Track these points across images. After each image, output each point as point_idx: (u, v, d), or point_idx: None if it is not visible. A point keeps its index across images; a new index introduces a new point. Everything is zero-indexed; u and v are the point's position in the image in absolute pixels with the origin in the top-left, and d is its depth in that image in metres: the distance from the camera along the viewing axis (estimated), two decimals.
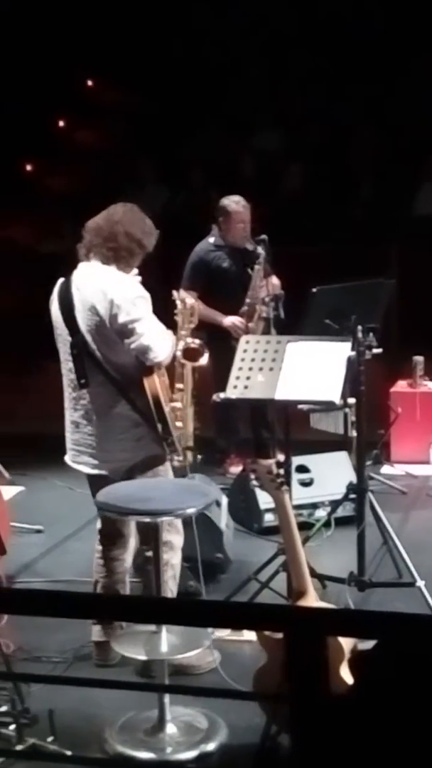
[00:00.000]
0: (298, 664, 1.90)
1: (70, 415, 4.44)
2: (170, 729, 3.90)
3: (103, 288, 4.25)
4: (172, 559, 4.41)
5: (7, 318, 9.22)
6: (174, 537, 4.42)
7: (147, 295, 4.32)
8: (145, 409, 4.28)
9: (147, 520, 4.04)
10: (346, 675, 3.37)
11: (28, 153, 11.16)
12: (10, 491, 6.38)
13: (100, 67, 11.49)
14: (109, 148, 11.08)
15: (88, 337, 4.29)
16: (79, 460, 4.44)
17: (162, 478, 4.39)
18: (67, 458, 4.51)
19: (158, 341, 4.25)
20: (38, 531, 6.14)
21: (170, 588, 4.37)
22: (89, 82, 11.96)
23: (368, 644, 2.99)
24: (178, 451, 4.35)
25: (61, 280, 4.44)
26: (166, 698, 3.90)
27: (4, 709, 3.94)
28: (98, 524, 4.56)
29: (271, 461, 3.91)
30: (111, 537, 4.52)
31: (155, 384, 4.25)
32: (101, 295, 4.24)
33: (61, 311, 4.36)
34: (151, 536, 4.28)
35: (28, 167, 11.33)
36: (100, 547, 4.54)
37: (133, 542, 4.55)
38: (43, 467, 7.39)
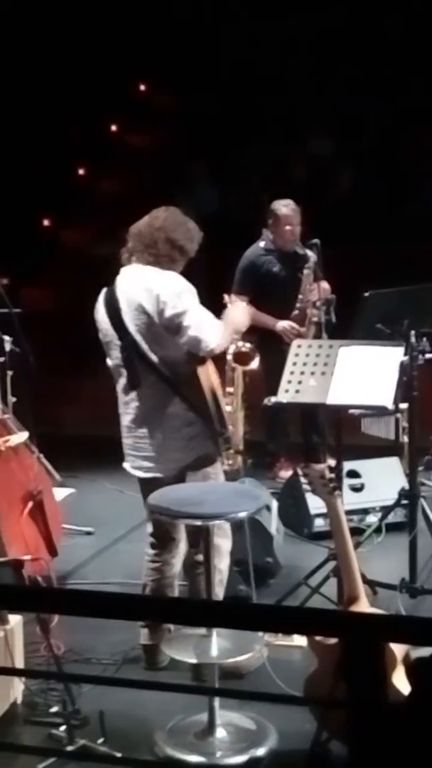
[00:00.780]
0: (356, 670, 1.88)
1: (124, 420, 4.47)
2: (220, 733, 3.89)
3: (148, 285, 4.28)
4: (220, 564, 4.41)
5: (58, 321, 9.27)
6: (222, 541, 4.42)
7: (192, 288, 4.33)
8: (199, 404, 4.29)
9: (198, 523, 4.03)
10: (399, 682, 3.34)
11: (81, 156, 11.22)
12: (60, 493, 6.40)
13: (153, 70, 11.53)
14: (161, 151, 11.10)
15: (138, 337, 4.31)
16: (135, 464, 4.45)
17: (213, 480, 4.39)
18: (125, 464, 4.51)
19: (208, 331, 4.24)
20: (88, 533, 6.18)
21: (216, 593, 4.36)
22: (142, 86, 12.00)
23: (422, 651, 2.97)
24: (231, 446, 4.35)
25: (105, 289, 4.47)
26: (216, 702, 3.89)
27: (55, 709, 3.97)
28: (149, 528, 4.56)
29: (324, 466, 3.89)
30: (162, 541, 4.51)
31: (209, 375, 4.26)
32: (146, 292, 4.27)
33: (108, 315, 4.39)
34: (200, 540, 4.30)
35: (81, 171, 11.38)
36: (150, 551, 4.54)
37: (183, 547, 4.55)
38: (93, 469, 7.44)
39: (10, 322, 5.90)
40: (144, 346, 4.30)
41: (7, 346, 6.21)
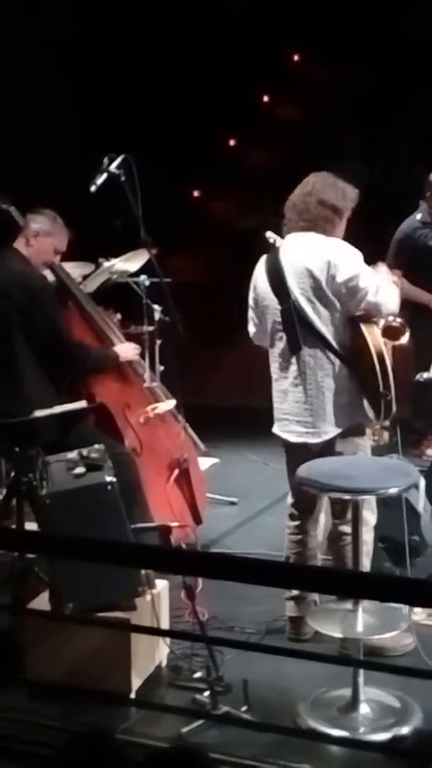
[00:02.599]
0: None
1: (279, 385, 4.45)
2: (363, 709, 3.85)
3: (317, 250, 4.28)
4: (365, 535, 4.37)
5: (201, 291, 9.32)
6: (368, 514, 4.37)
7: (359, 252, 4.33)
8: (361, 368, 4.26)
9: (348, 497, 4.00)
10: None
11: (231, 128, 11.20)
12: (204, 462, 6.45)
13: (306, 40, 11.38)
14: (312, 123, 10.98)
15: (302, 301, 4.30)
16: (286, 428, 4.43)
17: (361, 452, 4.35)
18: (275, 428, 4.50)
19: (385, 293, 4.25)
20: (232, 503, 6.20)
21: (364, 564, 4.32)
22: (295, 57, 11.86)
23: None
24: (392, 410, 4.28)
25: (263, 256, 4.46)
26: (361, 677, 3.85)
27: (198, 675, 4.00)
28: (289, 499, 4.53)
29: None
30: (303, 512, 4.49)
31: (375, 335, 4.23)
32: (316, 256, 4.27)
33: (270, 281, 4.38)
34: (344, 512, 4.28)
35: (231, 142, 11.37)
36: (291, 523, 4.52)
37: (323, 518, 4.51)
38: (237, 440, 7.47)
39: (160, 291, 5.98)
40: (307, 309, 4.29)
41: (157, 315, 6.26)
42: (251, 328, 4.59)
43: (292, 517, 4.54)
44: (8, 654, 4.01)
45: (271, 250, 4.42)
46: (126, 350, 5.38)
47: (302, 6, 10.68)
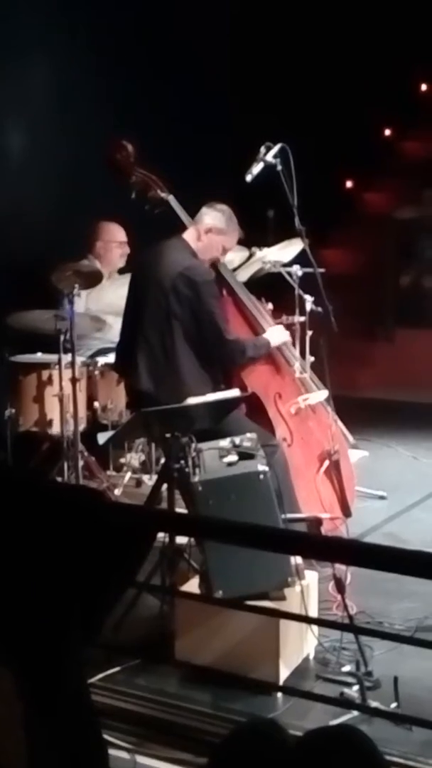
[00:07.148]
0: None
1: None
2: None
3: None
4: None
5: (354, 283, 9.21)
6: None
7: None
8: None
9: None
10: None
11: (387, 117, 11.03)
12: (353, 455, 6.39)
13: None
14: None
15: None
16: None
17: None
18: None
19: None
20: (381, 497, 6.12)
21: None
22: None
23: None
24: None
25: None
26: None
27: (347, 669, 3.95)
28: None
29: None
30: None
31: None
32: None
33: None
34: None
35: (387, 132, 11.20)
36: None
37: None
38: (386, 434, 7.38)
39: (313, 282, 5.93)
40: None
41: (308, 306, 6.21)
42: None
43: None
44: (159, 637, 4.05)
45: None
46: (275, 336, 5.36)
47: None
